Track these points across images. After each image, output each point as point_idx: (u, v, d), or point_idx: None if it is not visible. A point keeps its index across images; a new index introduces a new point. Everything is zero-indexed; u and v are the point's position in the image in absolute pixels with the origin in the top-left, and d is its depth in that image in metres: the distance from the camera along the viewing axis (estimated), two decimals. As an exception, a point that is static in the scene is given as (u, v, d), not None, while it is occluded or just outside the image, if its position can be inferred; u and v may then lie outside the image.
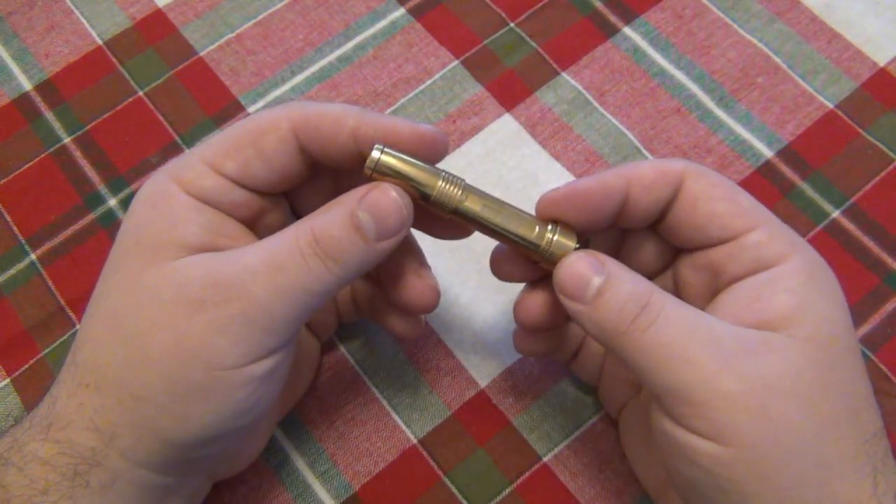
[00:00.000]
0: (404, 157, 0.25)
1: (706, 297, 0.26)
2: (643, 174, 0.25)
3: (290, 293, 0.24)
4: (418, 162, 0.25)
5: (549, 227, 0.26)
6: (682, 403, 0.22)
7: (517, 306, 0.28)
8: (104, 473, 0.23)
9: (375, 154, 0.25)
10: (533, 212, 0.26)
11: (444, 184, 0.25)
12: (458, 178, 0.26)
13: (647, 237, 0.28)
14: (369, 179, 0.25)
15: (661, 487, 0.28)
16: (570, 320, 0.30)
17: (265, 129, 0.25)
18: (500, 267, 0.28)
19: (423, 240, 0.30)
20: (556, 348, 0.31)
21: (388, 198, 0.24)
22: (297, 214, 0.28)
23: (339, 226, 0.24)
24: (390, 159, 0.25)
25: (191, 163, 0.25)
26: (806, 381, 0.22)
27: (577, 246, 0.25)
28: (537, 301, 0.28)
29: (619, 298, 0.23)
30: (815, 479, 0.22)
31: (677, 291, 0.27)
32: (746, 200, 0.25)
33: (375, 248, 0.24)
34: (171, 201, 0.25)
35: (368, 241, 0.24)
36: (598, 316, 0.24)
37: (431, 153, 0.25)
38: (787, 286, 0.23)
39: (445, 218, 0.26)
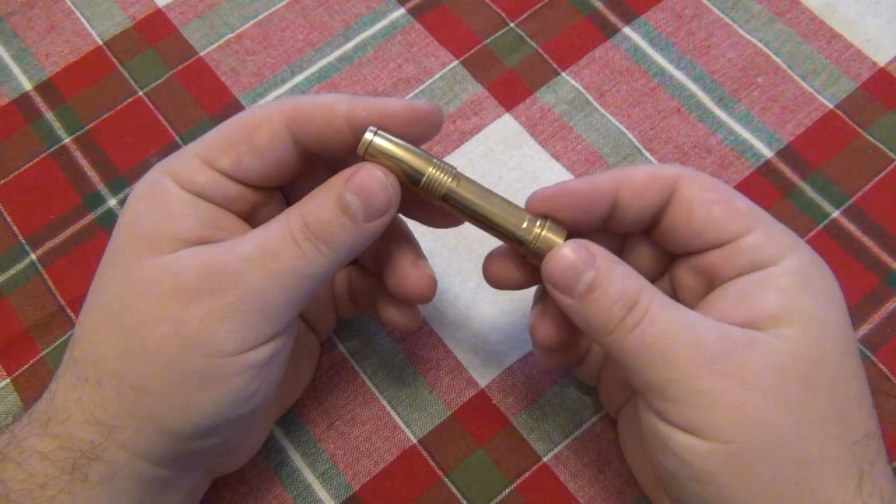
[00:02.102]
0: (397, 140, 0.25)
1: (702, 298, 0.26)
2: (634, 179, 0.25)
3: (286, 278, 0.24)
4: (411, 146, 0.25)
5: (539, 221, 0.26)
6: (664, 400, 0.23)
7: (532, 329, 0.28)
8: (103, 467, 0.24)
9: (368, 136, 0.25)
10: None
11: (435, 170, 0.25)
12: (450, 165, 0.26)
13: (644, 242, 0.28)
14: None
15: (656, 486, 0.28)
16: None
17: (258, 123, 0.25)
18: (492, 271, 0.28)
19: (422, 240, 0.30)
20: (577, 359, 0.31)
21: (374, 178, 0.24)
22: None
23: (328, 209, 0.24)
24: (383, 142, 0.25)
25: (185, 158, 0.25)
26: (788, 379, 0.22)
27: (566, 242, 0.25)
28: (552, 321, 0.27)
29: (609, 298, 0.24)
30: (793, 475, 0.22)
31: (674, 294, 0.28)
32: (742, 203, 0.25)
33: (365, 229, 0.25)
34: (166, 196, 0.25)
35: (357, 222, 0.24)
36: (586, 313, 0.24)
37: (427, 128, 0.26)
38: (778, 286, 0.24)
39: (435, 205, 0.26)
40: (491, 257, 0.28)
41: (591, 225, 0.26)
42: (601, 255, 0.24)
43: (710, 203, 0.25)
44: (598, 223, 0.26)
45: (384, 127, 0.25)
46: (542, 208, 0.26)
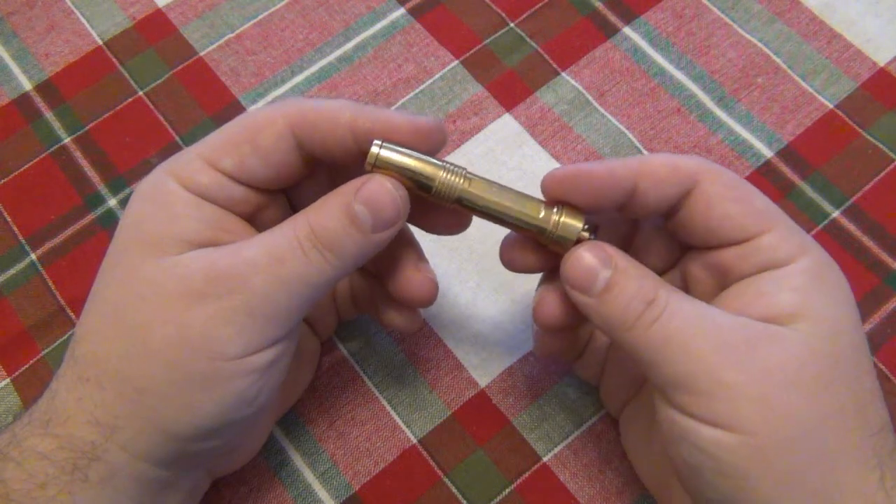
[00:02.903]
0: (404, 150, 0.25)
1: (714, 294, 0.26)
2: (655, 169, 0.25)
3: (291, 285, 0.24)
4: (418, 154, 0.25)
5: (555, 209, 0.25)
6: (686, 393, 0.23)
7: (536, 308, 0.28)
8: (103, 468, 0.24)
9: (375, 149, 0.25)
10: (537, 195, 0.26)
11: (445, 174, 0.25)
12: (460, 167, 0.25)
13: (658, 232, 0.28)
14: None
15: (661, 485, 0.28)
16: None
17: (261, 125, 0.25)
18: (509, 254, 0.28)
19: (422, 241, 0.30)
20: (576, 347, 0.31)
21: (384, 189, 0.24)
22: (295, 211, 0.28)
23: (336, 218, 0.24)
24: (390, 154, 0.25)
25: (188, 159, 0.25)
26: (808, 372, 0.22)
27: (585, 227, 0.25)
28: (556, 301, 0.27)
29: (626, 294, 0.24)
30: (818, 467, 0.22)
31: (685, 288, 0.27)
32: (761, 202, 0.25)
33: (372, 240, 0.25)
34: (169, 197, 0.25)
35: (365, 233, 0.24)
36: (604, 311, 0.24)
37: (430, 144, 0.25)
38: (793, 284, 0.24)
39: (448, 208, 0.26)
40: (507, 242, 0.28)
41: (605, 210, 0.26)
42: (618, 255, 0.25)
43: (728, 201, 0.25)
44: (613, 209, 0.26)
45: (387, 139, 0.25)
46: (557, 190, 0.25)
